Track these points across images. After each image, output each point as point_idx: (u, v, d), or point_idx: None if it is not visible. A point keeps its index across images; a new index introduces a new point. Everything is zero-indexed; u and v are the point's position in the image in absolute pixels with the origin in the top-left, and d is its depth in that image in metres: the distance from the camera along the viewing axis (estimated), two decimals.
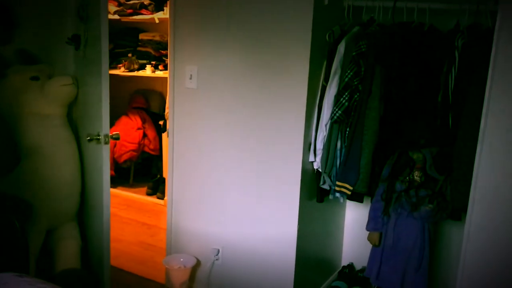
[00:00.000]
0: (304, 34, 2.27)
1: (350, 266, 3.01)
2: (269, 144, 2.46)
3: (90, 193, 2.67)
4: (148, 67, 4.39)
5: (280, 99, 2.39)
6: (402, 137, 2.35)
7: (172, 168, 2.82)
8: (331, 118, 2.34)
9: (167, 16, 2.90)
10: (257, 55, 2.42)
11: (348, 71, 2.29)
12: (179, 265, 2.78)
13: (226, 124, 2.57)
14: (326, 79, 2.38)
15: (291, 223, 2.45)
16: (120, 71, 4.41)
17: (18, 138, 2.48)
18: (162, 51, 4.49)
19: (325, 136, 2.39)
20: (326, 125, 2.38)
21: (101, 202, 2.46)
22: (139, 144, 4.51)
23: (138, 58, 4.52)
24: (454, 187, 2.17)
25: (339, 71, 2.33)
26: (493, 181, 1.88)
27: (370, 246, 2.55)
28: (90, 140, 2.39)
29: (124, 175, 4.67)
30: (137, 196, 4.52)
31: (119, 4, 4.44)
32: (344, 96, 2.30)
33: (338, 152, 2.40)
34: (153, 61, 4.48)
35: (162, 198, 4.32)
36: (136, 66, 4.46)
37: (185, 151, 2.76)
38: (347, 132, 2.36)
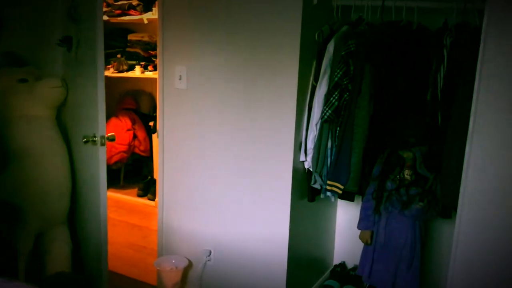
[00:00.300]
0: (293, 34, 2.26)
1: (342, 264, 3.01)
2: (259, 144, 2.45)
3: (83, 195, 2.65)
4: (137, 68, 4.37)
5: (270, 99, 2.38)
6: (392, 136, 2.36)
7: (163, 169, 2.81)
8: (321, 117, 2.34)
9: (156, 16, 2.89)
10: (246, 55, 2.41)
11: (338, 71, 2.29)
12: (171, 266, 2.77)
13: (216, 125, 2.57)
14: (316, 79, 2.38)
15: (282, 223, 2.45)
16: (109, 72, 4.38)
17: (6, 141, 2.46)
18: (151, 52, 4.47)
19: (315, 135, 2.39)
20: (316, 125, 2.38)
21: (98, 204, 2.45)
22: (129, 145, 4.48)
23: (127, 59, 4.50)
24: (444, 185, 2.19)
25: (328, 71, 2.34)
26: (482, 178, 1.89)
27: (362, 244, 2.56)
28: (86, 142, 2.37)
29: (114, 176, 4.64)
30: (128, 197, 4.50)
31: (108, 5, 4.41)
32: (334, 95, 2.30)
33: (329, 151, 2.41)
34: (142, 61, 4.45)
35: (153, 199, 4.30)
36: (125, 67, 4.43)
37: (175, 152, 2.75)
38: (337, 132, 2.36)
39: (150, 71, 4.38)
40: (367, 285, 2.68)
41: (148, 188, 4.47)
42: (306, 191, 2.54)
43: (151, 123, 4.42)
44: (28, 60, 2.72)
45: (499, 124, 1.83)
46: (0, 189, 2.41)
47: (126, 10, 4.34)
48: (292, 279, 2.53)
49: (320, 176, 2.44)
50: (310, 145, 2.42)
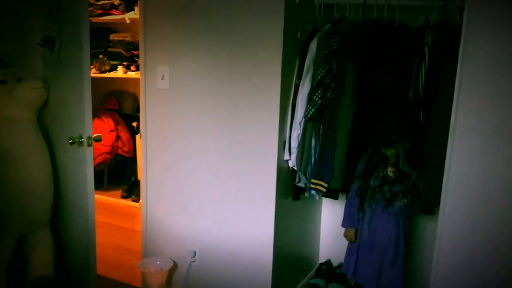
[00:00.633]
0: (276, 33, 2.26)
1: (328, 262, 3.02)
2: (243, 144, 2.45)
3: (68, 198, 2.61)
4: (120, 68, 4.33)
5: (253, 98, 2.38)
6: (375, 133, 2.37)
7: (146, 170, 2.79)
8: (305, 116, 2.34)
9: (138, 16, 2.86)
10: (229, 54, 2.40)
11: (320, 69, 2.30)
12: (156, 268, 2.74)
13: (200, 124, 2.55)
14: (299, 77, 2.38)
15: (267, 222, 2.44)
16: (91, 73, 4.29)
17: None
18: (134, 52, 4.44)
19: (299, 134, 2.39)
20: (300, 123, 2.38)
21: (86, 206, 2.43)
22: (113, 146, 4.44)
23: (109, 59, 4.46)
24: (426, 181, 2.20)
25: (311, 69, 2.34)
26: (464, 175, 1.91)
27: (346, 242, 2.56)
28: (72, 143, 2.35)
29: (97, 178, 4.54)
30: (112, 199, 4.46)
31: (89, 5, 4.36)
32: (317, 94, 2.30)
33: (313, 150, 2.41)
34: (125, 61, 4.42)
35: (137, 200, 4.27)
36: (107, 67, 4.39)
37: (158, 153, 2.72)
38: (321, 130, 2.37)
39: (132, 71, 4.35)
40: (352, 283, 2.70)
41: (132, 190, 4.44)
42: (291, 190, 2.54)
43: (134, 124, 4.38)
44: (8, 61, 2.68)
45: (480, 120, 1.85)
46: None
47: (107, 9, 4.30)
48: (277, 278, 2.53)
49: (305, 175, 2.44)
50: (294, 143, 2.42)
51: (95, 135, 2.41)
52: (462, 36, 1.85)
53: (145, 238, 2.87)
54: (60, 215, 2.71)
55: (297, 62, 2.40)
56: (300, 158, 2.40)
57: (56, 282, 2.58)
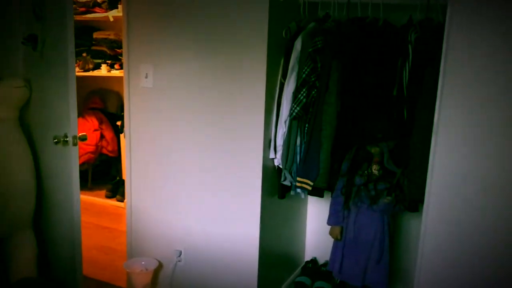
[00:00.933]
0: (260, 31, 2.25)
1: (314, 261, 3.03)
2: (229, 143, 2.44)
3: (53, 198, 2.58)
4: (104, 67, 4.29)
5: (238, 96, 2.37)
6: (360, 131, 2.38)
7: (130, 169, 2.76)
8: (290, 114, 2.34)
9: (122, 14, 2.83)
10: (214, 53, 2.39)
11: (305, 68, 2.30)
12: (141, 268, 2.73)
13: (185, 123, 2.54)
14: (284, 76, 2.38)
15: (253, 220, 2.44)
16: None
17: None
18: (118, 50, 4.40)
19: (284, 132, 2.39)
20: (285, 122, 2.38)
21: (71, 206, 2.40)
22: (97, 146, 4.40)
23: (93, 57, 4.42)
24: (410, 179, 2.22)
25: (296, 68, 2.34)
26: (448, 172, 1.92)
27: (332, 240, 2.57)
28: (57, 143, 2.31)
29: (82, 178, 4.51)
30: (96, 199, 4.42)
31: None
32: (302, 92, 2.30)
33: (298, 148, 2.41)
34: (109, 60, 4.38)
35: (122, 200, 4.23)
36: (91, 66, 4.35)
37: (143, 152, 2.70)
38: (306, 128, 2.37)
39: (116, 69, 4.31)
40: (338, 281, 2.71)
41: (116, 189, 4.40)
42: (276, 188, 2.54)
43: (118, 123, 4.35)
44: None
45: (463, 118, 1.87)
46: None
47: (90, 7, 4.26)
48: (263, 277, 2.53)
49: (290, 173, 2.44)
50: (280, 142, 2.42)
51: (80, 134, 2.38)
52: (445, 34, 1.87)
53: (130, 238, 2.85)
54: (45, 215, 2.67)
55: (282, 60, 2.40)
56: (285, 157, 2.40)
57: (39, 284, 2.54)
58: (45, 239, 2.69)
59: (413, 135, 2.17)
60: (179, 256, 2.68)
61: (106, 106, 4.68)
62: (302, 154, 2.39)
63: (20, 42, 2.49)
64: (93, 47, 4.49)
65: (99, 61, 4.39)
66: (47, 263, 2.69)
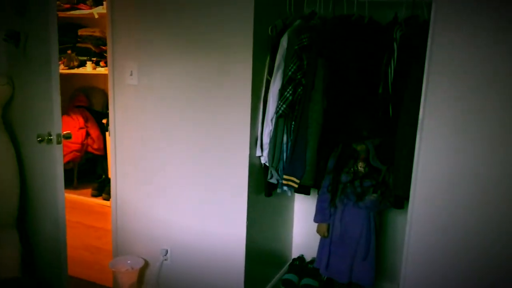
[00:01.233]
0: (246, 28, 2.24)
1: (300, 258, 3.03)
2: (215, 140, 2.43)
3: (37, 197, 2.55)
4: (89, 64, 4.24)
5: (224, 94, 2.36)
6: (345, 129, 2.38)
7: (115, 168, 2.74)
8: (276, 112, 2.34)
9: None
10: (199, 50, 2.37)
11: (291, 65, 2.29)
12: (127, 267, 2.70)
13: (170, 121, 2.52)
14: (270, 73, 2.37)
15: (240, 218, 2.43)
16: (59, 69, 4.23)
17: None
18: (103, 47, 4.35)
19: (271, 130, 2.39)
20: (271, 120, 2.37)
21: (56, 206, 2.36)
22: (82, 144, 4.36)
23: (78, 54, 4.36)
24: (396, 176, 2.23)
25: (282, 65, 2.33)
26: (433, 169, 1.94)
27: (319, 237, 2.58)
28: (41, 141, 2.28)
29: (67, 176, 4.46)
30: (82, 198, 4.37)
31: None
32: (288, 90, 2.30)
33: (285, 146, 2.41)
34: (94, 57, 4.33)
35: (108, 199, 4.19)
36: (76, 63, 4.30)
37: (128, 150, 2.68)
38: (292, 126, 2.36)
39: (102, 67, 4.26)
40: (325, 277, 2.71)
41: (102, 188, 4.36)
42: (263, 186, 2.54)
43: (104, 121, 4.30)
44: None
45: (448, 115, 1.88)
46: None
47: (75, 4, 4.21)
48: (250, 275, 2.52)
49: (277, 171, 2.44)
50: (266, 140, 2.41)
51: (64, 132, 2.34)
52: (430, 32, 1.88)
53: (116, 237, 2.82)
54: (29, 215, 2.64)
55: (268, 58, 2.39)
56: (272, 154, 2.40)
57: (24, 283, 2.51)
58: (29, 239, 2.66)
59: (398, 132, 2.18)
60: (166, 254, 2.67)
61: (92, 104, 4.63)
62: (288, 152, 2.39)
63: (2, 38, 2.45)
64: (78, 44, 4.43)
65: (84, 58, 4.34)
66: (32, 262, 2.66)
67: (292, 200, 3.02)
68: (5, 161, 2.49)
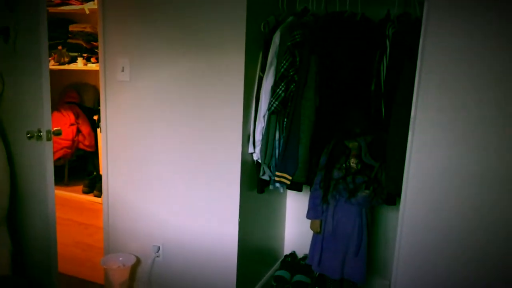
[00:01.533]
0: (239, 25, 2.23)
1: (292, 254, 3.04)
2: (207, 137, 2.42)
3: (27, 194, 2.52)
4: (80, 60, 4.22)
5: (217, 91, 2.35)
6: (338, 126, 2.38)
7: (107, 164, 2.72)
8: (269, 109, 2.33)
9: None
10: (192, 46, 2.36)
11: (284, 62, 2.29)
12: (118, 264, 2.69)
13: (162, 117, 2.51)
14: (263, 70, 2.36)
15: (232, 215, 2.43)
16: (50, 65, 4.19)
17: None
18: (94, 43, 4.32)
19: (263, 127, 2.38)
20: (264, 116, 2.37)
21: (46, 203, 2.35)
22: (73, 140, 4.33)
23: (69, 50, 4.33)
24: (387, 173, 2.23)
25: (275, 62, 2.33)
26: (425, 166, 1.94)
27: (311, 234, 2.58)
28: (30, 137, 2.26)
29: (58, 173, 4.45)
30: (73, 194, 4.35)
31: None
32: (280, 86, 2.29)
33: (277, 142, 2.41)
34: (85, 53, 4.30)
35: (99, 196, 4.18)
36: (66, 59, 4.26)
37: (120, 146, 2.66)
38: (284, 123, 2.36)
39: (93, 63, 4.24)
40: (317, 274, 2.72)
41: (94, 185, 4.34)
42: (255, 183, 2.53)
43: (95, 117, 4.28)
44: None
45: (440, 112, 1.89)
46: None
47: None
48: (242, 271, 2.52)
49: (269, 168, 2.43)
50: (258, 136, 2.41)
51: (54, 128, 2.33)
52: (422, 29, 1.88)
53: (107, 234, 2.81)
54: (19, 212, 2.61)
55: (261, 54, 2.39)
56: (264, 151, 2.40)
57: (14, 281, 2.49)
58: (19, 236, 2.63)
59: (391, 129, 2.19)
60: (158, 251, 2.66)
61: (83, 100, 4.60)
62: (280, 148, 2.38)
63: None
64: (69, 40, 4.40)
65: (75, 54, 4.31)
66: (22, 260, 2.64)
67: (284, 196, 3.02)
68: None
